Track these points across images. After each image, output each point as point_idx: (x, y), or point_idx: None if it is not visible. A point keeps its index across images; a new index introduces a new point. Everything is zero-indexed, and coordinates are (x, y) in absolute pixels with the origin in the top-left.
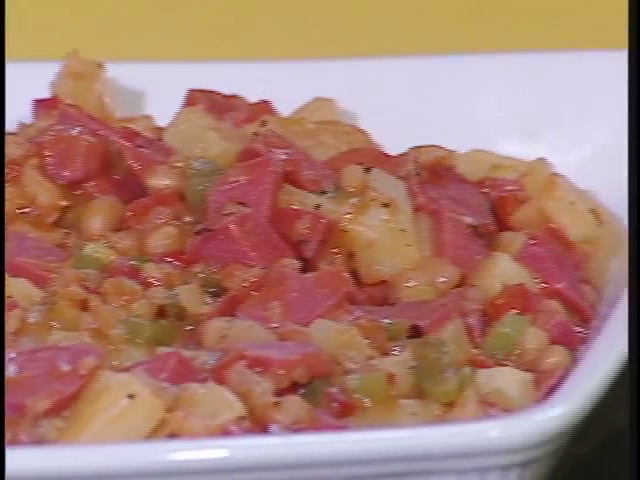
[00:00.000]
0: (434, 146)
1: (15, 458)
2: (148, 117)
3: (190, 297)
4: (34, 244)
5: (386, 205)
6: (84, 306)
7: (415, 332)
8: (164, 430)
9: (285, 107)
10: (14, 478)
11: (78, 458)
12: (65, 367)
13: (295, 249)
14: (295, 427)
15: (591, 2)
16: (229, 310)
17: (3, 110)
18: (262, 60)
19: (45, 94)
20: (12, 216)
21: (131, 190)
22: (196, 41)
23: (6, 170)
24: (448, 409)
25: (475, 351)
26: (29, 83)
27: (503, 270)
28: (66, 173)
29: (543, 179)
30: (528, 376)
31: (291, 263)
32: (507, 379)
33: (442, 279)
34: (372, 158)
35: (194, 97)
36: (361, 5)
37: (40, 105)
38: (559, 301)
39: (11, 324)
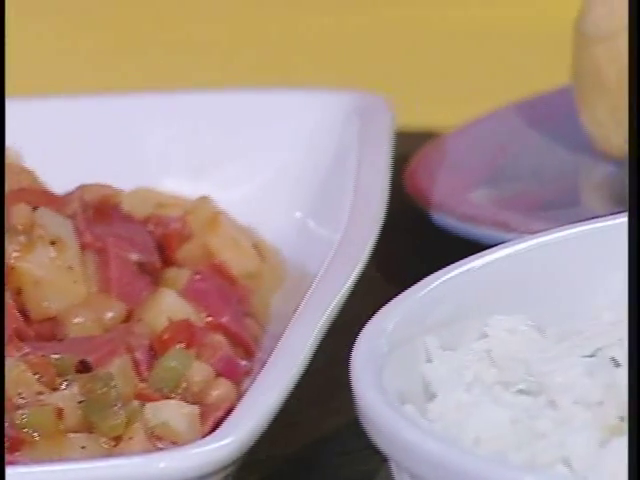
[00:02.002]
0: (100, 185)
1: None
2: None
3: None
4: None
5: (53, 243)
6: None
7: (83, 367)
8: None
9: None
10: None
11: None
12: None
13: None
14: None
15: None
16: None
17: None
18: None
19: None
20: None
21: None
22: None
23: None
24: (116, 442)
25: (142, 385)
26: None
27: (169, 305)
28: None
29: (206, 216)
30: (194, 409)
31: None
32: (174, 412)
33: (109, 315)
34: (39, 197)
35: None
36: (51, 42)
37: None
38: (223, 335)
39: None
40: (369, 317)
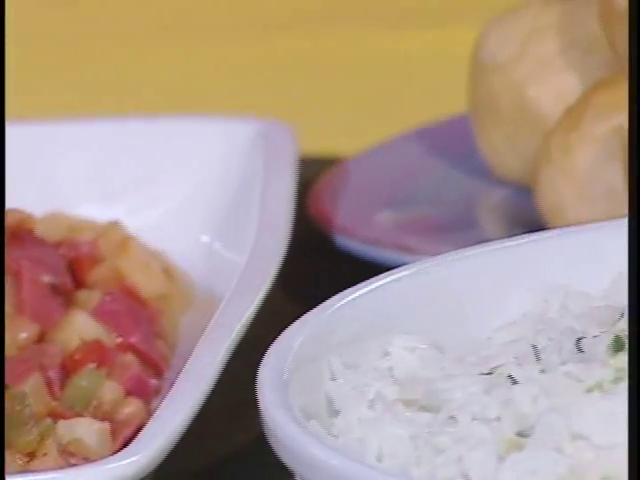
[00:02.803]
0: (14, 210)
1: None
2: None
3: None
4: None
5: None
6: None
7: None
8: None
9: None
10: None
11: None
12: None
13: None
14: None
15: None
16: None
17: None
18: None
19: None
20: None
21: None
22: None
23: None
24: (30, 459)
25: (55, 403)
26: None
27: (80, 326)
28: None
29: (117, 240)
30: (105, 426)
31: None
32: (86, 429)
33: (23, 335)
34: None
35: None
36: None
37: None
38: (134, 355)
39: None
40: (275, 337)
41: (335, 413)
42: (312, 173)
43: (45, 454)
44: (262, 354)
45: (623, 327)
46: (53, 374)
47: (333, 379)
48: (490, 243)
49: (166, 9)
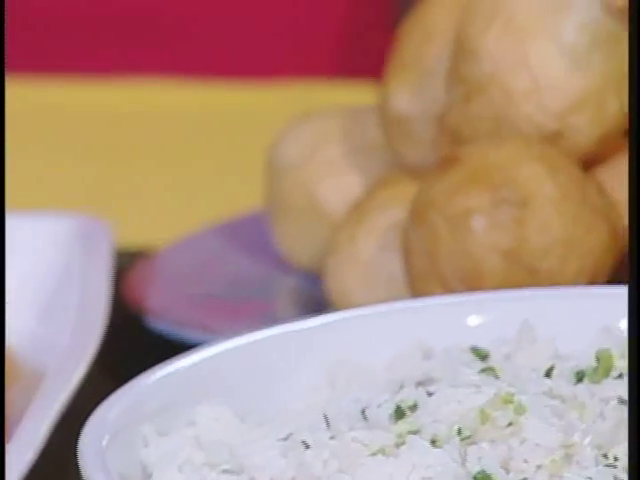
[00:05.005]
0: None
1: None
2: None
3: None
4: None
5: None
6: None
7: None
8: None
9: None
10: None
11: None
12: None
13: None
14: None
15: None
16: None
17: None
18: None
19: None
20: None
21: None
22: None
23: None
24: None
25: None
26: None
27: None
28: None
29: None
30: None
31: None
32: None
33: None
34: None
35: None
36: None
37: None
38: None
39: None
40: (93, 409)
41: (149, 476)
42: (126, 263)
43: None
44: (82, 424)
45: (402, 398)
46: None
47: (146, 445)
48: (285, 323)
49: None
